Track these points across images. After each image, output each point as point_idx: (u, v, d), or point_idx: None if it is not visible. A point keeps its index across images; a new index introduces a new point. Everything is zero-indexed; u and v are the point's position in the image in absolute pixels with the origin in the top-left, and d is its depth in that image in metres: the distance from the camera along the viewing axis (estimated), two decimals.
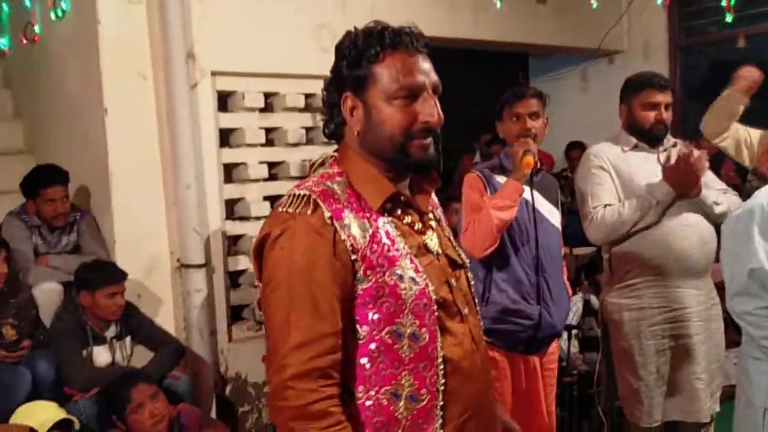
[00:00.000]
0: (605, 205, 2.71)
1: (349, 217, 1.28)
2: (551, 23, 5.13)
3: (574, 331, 3.83)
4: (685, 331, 2.71)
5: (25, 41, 3.99)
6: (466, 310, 1.41)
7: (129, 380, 2.85)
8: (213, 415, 3.49)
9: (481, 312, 2.37)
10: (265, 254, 1.29)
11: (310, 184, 1.32)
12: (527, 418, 2.50)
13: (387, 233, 1.31)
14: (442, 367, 1.32)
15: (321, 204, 1.27)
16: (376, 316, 1.28)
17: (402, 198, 1.36)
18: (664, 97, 2.74)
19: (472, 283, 1.50)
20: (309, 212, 1.26)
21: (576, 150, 5.60)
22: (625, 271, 2.77)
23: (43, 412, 2.55)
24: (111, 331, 3.17)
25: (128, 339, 3.22)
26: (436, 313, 1.32)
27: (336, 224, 1.26)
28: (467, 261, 1.50)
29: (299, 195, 1.29)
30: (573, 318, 3.89)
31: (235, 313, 3.77)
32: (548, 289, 2.53)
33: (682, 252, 2.67)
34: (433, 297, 1.32)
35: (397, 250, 1.30)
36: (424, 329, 1.30)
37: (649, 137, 2.78)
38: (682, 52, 5.66)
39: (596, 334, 3.65)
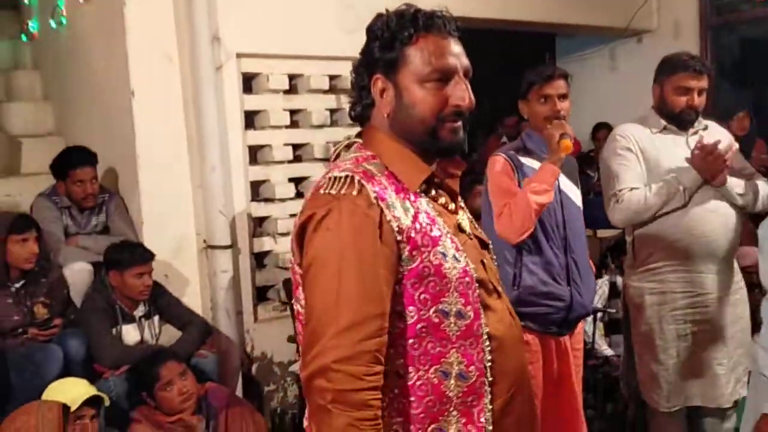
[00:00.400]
0: (631, 189, 2.67)
1: (392, 197, 1.27)
2: (579, 2, 5.04)
3: (599, 314, 3.80)
4: (707, 316, 2.68)
5: (53, 24, 4.04)
6: (499, 287, 1.43)
7: (158, 358, 2.90)
8: (239, 393, 3.54)
9: (513, 296, 2.39)
10: (308, 236, 1.27)
11: (349, 166, 1.30)
12: (560, 398, 2.52)
13: (427, 213, 1.31)
14: (487, 343, 1.34)
15: (365, 184, 1.26)
16: (422, 296, 1.28)
17: (436, 179, 1.37)
18: (698, 83, 2.67)
19: (496, 264, 1.51)
20: (354, 193, 1.25)
21: (602, 131, 5.53)
22: (647, 255, 2.74)
23: (74, 388, 2.59)
24: (140, 311, 3.23)
25: (156, 318, 3.28)
26: (478, 291, 1.34)
27: (381, 204, 1.25)
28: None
29: (341, 176, 1.27)
30: (599, 301, 3.86)
31: (261, 294, 3.82)
32: (577, 269, 2.54)
33: (705, 236, 2.63)
34: (474, 275, 1.33)
35: (439, 229, 1.31)
36: (468, 307, 1.32)
37: (678, 121, 2.72)
38: (712, 31, 5.53)
39: (621, 316, 3.63)
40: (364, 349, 1.20)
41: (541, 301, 2.46)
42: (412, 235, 1.27)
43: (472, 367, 1.32)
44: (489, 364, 1.33)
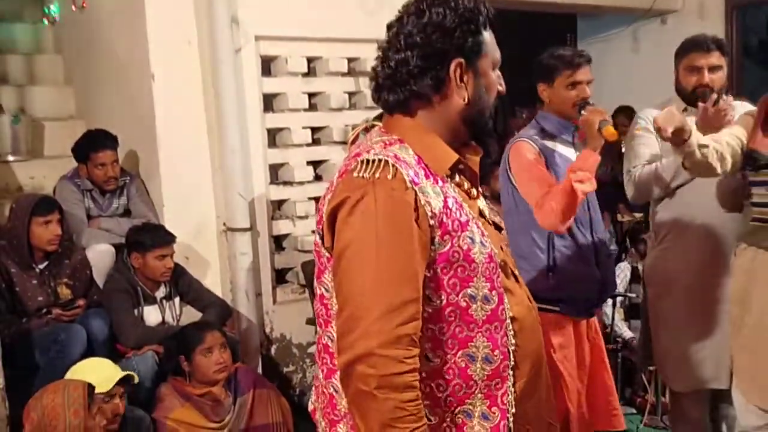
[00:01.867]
0: (644, 165, 2.70)
1: (423, 181, 1.27)
2: None
3: (619, 299, 3.78)
4: (722, 296, 2.66)
5: (74, 8, 4.06)
6: (516, 271, 1.43)
7: (205, 325, 3.01)
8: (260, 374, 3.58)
9: (549, 282, 2.40)
10: (342, 220, 1.25)
11: (378, 149, 1.28)
12: (593, 377, 2.55)
13: (455, 198, 1.31)
14: (511, 327, 1.35)
15: (400, 168, 1.24)
16: (451, 281, 1.28)
17: (461, 165, 1.37)
18: (707, 60, 2.65)
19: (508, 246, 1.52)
20: (389, 176, 1.23)
21: (620, 116, 5.44)
22: (665, 234, 2.77)
23: (102, 368, 2.63)
24: (161, 292, 3.27)
25: (177, 299, 3.32)
26: (501, 275, 1.35)
27: (415, 188, 1.24)
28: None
29: (373, 160, 1.25)
30: (620, 285, 3.84)
31: (279, 276, 3.84)
32: (602, 248, 2.55)
33: (725, 217, 2.62)
34: (498, 260, 1.34)
35: (466, 214, 1.31)
36: (493, 291, 1.33)
37: (693, 100, 2.69)
38: (738, 10, 5.40)
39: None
40: (403, 332, 1.20)
41: (577, 284, 2.46)
42: (444, 219, 1.27)
43: (496, 351, 1.33)
44: (513, 348, 1.34)
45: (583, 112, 2.40)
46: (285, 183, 3.81)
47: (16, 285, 3.06)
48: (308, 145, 3.85)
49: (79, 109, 4.48)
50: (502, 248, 1.40)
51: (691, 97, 2.69)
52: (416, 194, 1.24)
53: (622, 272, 3.97)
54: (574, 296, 2.46)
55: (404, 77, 1.30)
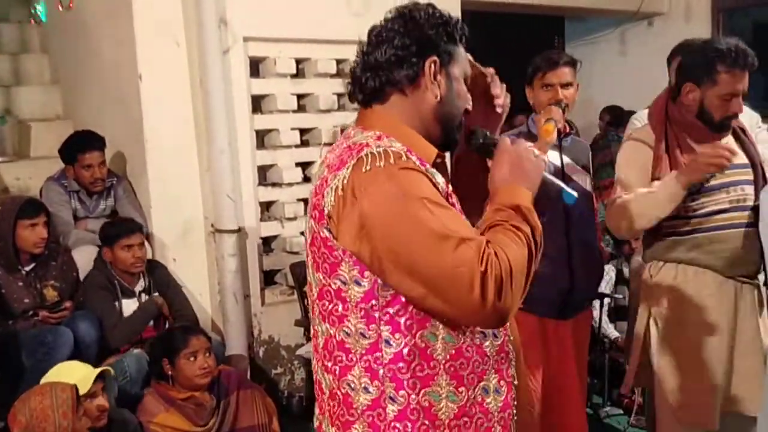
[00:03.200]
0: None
1: (427, 166, 1.33)
2: None
3: (606, 300, 3.80)
4: None
5: (61, 8, 4.03)
6: None
7: (190, 329, 2.99)
8: (247, 376, 3.57)
9: None
10: (372, 214, 1.24)
11: (374, 143, 1.31)
12: (559, 382, 2.51)
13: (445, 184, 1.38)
14: None
15: (404, 154, 1.29)
16: None
17: (438, 159, 1.40)
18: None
19: None
20: (402, 159, 1.28)
21: (606, 115, 5.46)
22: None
23: (75, 371, 2.57)
24: (139, 285, 3.27)
25: (156, 294, 3.31)
26: None
27: (424, 169, 1.31)
28: None
29: (378, 152, 1.28)
30: (606, 287, 3.86)
31: (268, 278, 3.83)
32: (579, 253, 2.50)
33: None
34: None
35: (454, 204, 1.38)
36: None
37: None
38: (725, 14, 5.46)
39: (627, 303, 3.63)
40: (480, 242, 1.23)
41: (540, 284, 2.43)
42: (449, 199, 1.35)
43: (500, 329, 1.39)
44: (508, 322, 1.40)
45: (541, 112, 2.42)
46: (273, 184, 3.80)
47: (2, 287, 3.04)
48: (297, 146, 3.85)
49: (65, 110, 4.45)
50: None
51: None
52: (428, 174, 1.31)
53: (607, 274, 3.98)
54: (538, 294, 2.43)
55: (381, 64, 1.36)
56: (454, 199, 1.38)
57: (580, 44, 6.04)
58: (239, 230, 3.58)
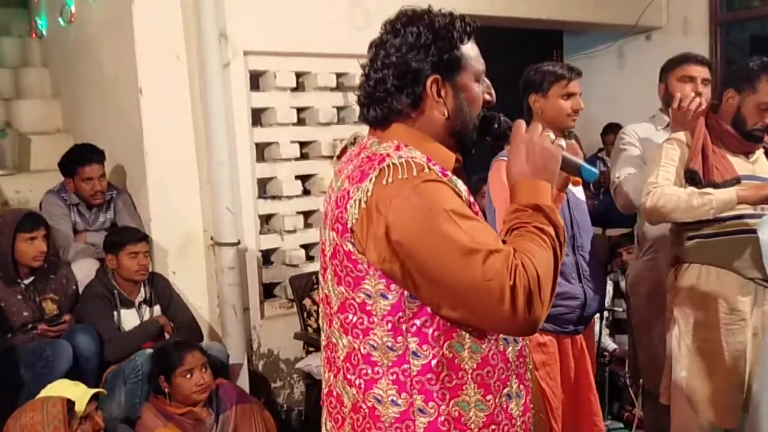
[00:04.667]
0: (629, 174, 2.78)
1: (449, 175, 1.32)
2: None
3: (605, 314, 3.80)
4: None
5: (62, 22, 4.06)
6: None
7: (186, 345, 2.96)
8: (246, 390, 3.55)
9: None
10: (388, 222, 1.23)
11: (394, 154, 1.29)
12: (578, 395, 2.53)
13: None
14: None
15: (425, 165, 1.27)
16: None
17: (456, 164, 1.40)
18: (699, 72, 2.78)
19: None
20: (424, 171, 1.26)
21: (610, 135, 5.49)
22: (650, 245, 2.86)
23: (69, 391, 2.54)
24: (139, 296, 3.26)
25: (157, 307, 3.30)
26: None
27: (446, 180, 1.29)
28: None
29: (401, 163, 1.26)
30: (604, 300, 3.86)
31: (267, 291, 3.83)
32: (586, 266, 2.54)
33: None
34: None
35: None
36: None
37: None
38: (722, 27, 5.49)
39: (626, 316, 3.63)
40: (508, 252, 1.21)
41: (556, 302, 2.43)
42: (475, 208, 1.33)
43: (519, 337, 1.40)
44: None
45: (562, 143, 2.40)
46: (273, 197, 3.80)
47: (0, 300, 3.03)
48: (296, 159, 3.86)
49: (66, 123, 4.47)
50: None
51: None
52: (450, 184, 1.29)
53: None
54: (555, 314, 2.44)
55: (382, 95, 1.34)
56: (476, 206, 1.35)
57: (578, 58, 6.06)
58: (239, 243, 3.58)
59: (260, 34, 3.58)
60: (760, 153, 2.52)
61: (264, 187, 3.82)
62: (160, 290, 3.32)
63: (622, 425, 3.68)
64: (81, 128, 4.19)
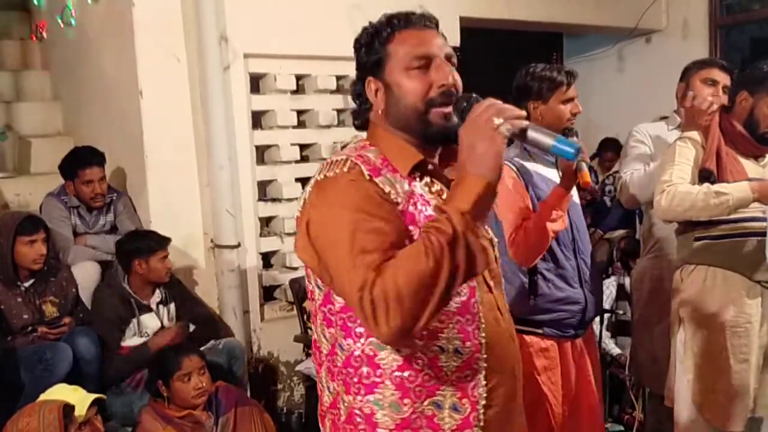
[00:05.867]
0: (636, 170, 2.81)
1: (386, 176, 1.32)
2: (587, 1, 5.03)
3: (606, 315, 3.80)
4: None
5: (62, 24, 4.06)
6: (492, 282, 1.44)
7: (183, 349, 2.96)
8: (246, 392, 3.55)
9: (530, 305, 2.38)
10: (309, 218, 1.31)
11: (346, 152, 1.37)
12: (580, 401, 2.52)
13: (422, 195, 1.35)
14: (483, 321, 1.36)
15: (359, 164, 1.31)
16: None
17: (429, 166, 1.39)
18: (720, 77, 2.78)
19: (499, 259, 1.51)
20: (346, 170, 1.30)
21: (608, 151, 5.47)
22: (654, 244, 2.89)
23: (69, 396, 2.53)
24: (156, 297, 3.27)
25: (173, 305, 3.31)
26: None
27: (375, 179, 1.30)
28: (495, 237, 1.51)
29: (335, 160, 1.34)
30: (606, 301, 3.86)
31: (267, 293, 3.83)
32: (586, 269, 2.52)
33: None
34: None
35: (432, 210, 1.33)
36: (464, 286, 1.33)
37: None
38: (722, 30, 5.49)
39: (629, 318, 3.62)
40: (371, 262, 1.19)
41: (558, 307, 2.44)
42: (408, 209, 1.31)
43: (468, 343, 1.35)
44: (484, 341, 1.36)
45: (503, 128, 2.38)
46: (273, 200, 3.80)
47: (0, 303, 3.03)
48: (297, 162, 3.86)
49: (66, 126, 4.47)
50: None
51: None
52: (376, 183, 1.30)
53: (608, 288, 3.98)
54: (557, 319, 2.44)
55: (356, 103, 1.46)
56: (432, 206, 1.31)
57: (578, 61, 6.07)
58: (239, 245, 3.58)
59: (260, 37, 3.58)
60: None
61: (264, 190, 3.82)
62: (175, 289, 3.34)
63: (622, 428, 3.67)
64: (81, 131, 4.19)
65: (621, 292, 3.98)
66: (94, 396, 2.56)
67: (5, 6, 5.01)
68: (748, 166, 2.45)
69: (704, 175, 2.40)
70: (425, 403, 1.33)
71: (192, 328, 3.31)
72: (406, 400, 1.32)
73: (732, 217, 2.36)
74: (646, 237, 2.94)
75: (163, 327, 3.25)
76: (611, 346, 3.86)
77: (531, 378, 2.26)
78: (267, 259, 3.85)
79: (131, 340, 3.21)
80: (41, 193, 3.71)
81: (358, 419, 1.34)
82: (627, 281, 3.99)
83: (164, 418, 2.82)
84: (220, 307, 3.60)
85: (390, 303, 1.15)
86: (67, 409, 2.40)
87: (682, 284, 2.50)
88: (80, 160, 3.51)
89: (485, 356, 1.36)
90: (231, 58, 3.52)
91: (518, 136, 1.24)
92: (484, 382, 1.36)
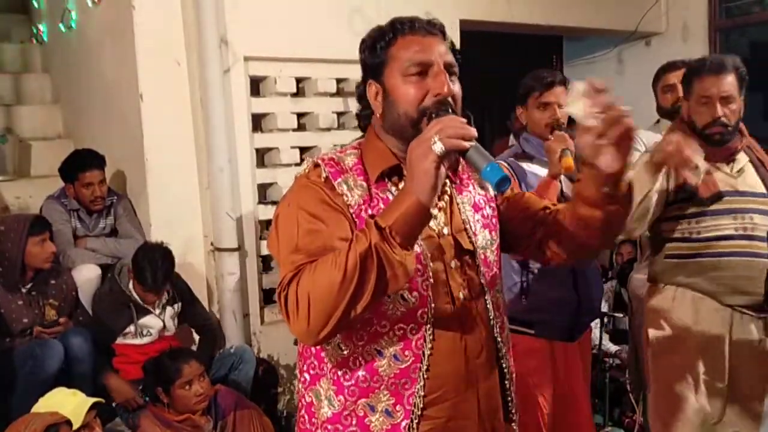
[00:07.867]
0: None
1: (347, 181, 1.36)
2: (586, 4, 5.03)
3: (605, 320, 3.79)
4: None
5: (63, 28, 4.07)
6: (461, 294, 1.40)
7: (183, 355, 2.95)
8: (247, 396, 3.54)
9: (522, 304, 2.37)
10: (277, 213, 1.40)
11: (325, 153, 1.45)
12: (569, 405, 2.50)
13: (385, 200, 1.36)
14: (431, 332, 1.35)
15: (321, 165, 1.38)
16: None
17: (405, 171, 1.37)
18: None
19: (482, 269, 1.45)
20: (308, 171, 1.39)
21: None
22: (658, 257, 2.77)
23: (66, 401, 2.48)
24: (162, 298, 3.26)
25: (177, 305, 3.32)
26: (431, 281, 1.35)
27: (333, 182, 1.36)
28: (480, 247, 1.46)
29: (308, 160, 1.42)
30: (604, 306, 3.85)
31: (267, 297, 3.82)
32: (582, 273, 2.50)
33: None
34: (429, 264, 1.35)
35: None
36: (414, 292, 1.33)
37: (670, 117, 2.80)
38: (722, 33, 5.50)
39: (626, 327, 3.62)
40: (292, 262, 1.28)
41: (549, 307, 2.43)
42: (361, 213, 1.33)
43: (408, 352, 1.34)
44: (429, 352, 1.34)
45: (550, 137, 2.36)
46: (273, 203, 3.80)
47: (0, 306, 3.03)
48: (297, 164, 3.85)
49: (66, 129, 4.47)
50: (446, 265, 1.38)
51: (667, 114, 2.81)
52: (333, 185, 1.35)
53: (605, 293, 3.97)
54: (548, 320, 2.42)
55: (359, 104, 1.48)
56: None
57: (578, 63, 6.08)
58: (239, 248, 3.58)
59: (261, 40, 3.58)
60: (746, 164, 2.37)
61: (264, 193, 3.81)
62: (180, 289, 3.34)
63: (622, 431, 3.66)
64: (81, 134, 4.19)
65: (618, 300, 3.97)
66: (93, 400, 2.55)
67: (6, 9, 5.02)
68: (720, 176, 2.32)
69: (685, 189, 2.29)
70: (359, 403, 1.36)
71: (197, 338, 3.32)
72: (340, 397, 1.37)
73: (704, 235, 2.28)
74: (643, 244, 2.93)
75: (164, 327, 3.25)
76: (610, 345, 3.86)
77: (522, 380, 2.26)
78: (267, 262, 3.85)
79: (131, 341, 3.21)
80: (41, 196, 3.71)
81: (310, 406, 1.43)
82: (624, 291, 3.99)
83: (163, 422, 2.82)
84: (220, 311, 3.60)
85: (300, 304, 1.22)
86: (55, 427, 2.31)
87: (650, 302, 2.44)
88: (80, 163, 3.52)
89: (426, 367, 1.34)
90: (231, 61, 3.52)
91: (460, 155, 1.22)
92: (422, 393, 1.34)
